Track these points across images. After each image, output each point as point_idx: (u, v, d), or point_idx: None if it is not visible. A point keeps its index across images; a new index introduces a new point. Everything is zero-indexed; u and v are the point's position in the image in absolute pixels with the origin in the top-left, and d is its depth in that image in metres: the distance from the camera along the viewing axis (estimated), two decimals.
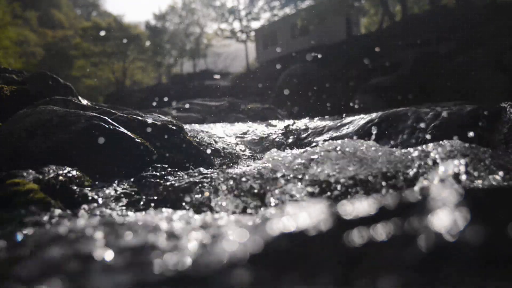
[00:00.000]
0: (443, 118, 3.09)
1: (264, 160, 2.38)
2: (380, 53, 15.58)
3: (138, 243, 1.06)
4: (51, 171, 1.90)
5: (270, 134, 4.01)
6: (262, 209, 1.68)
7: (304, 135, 3.87)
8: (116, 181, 2.08)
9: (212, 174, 2.09)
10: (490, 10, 16.17)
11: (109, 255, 0.93)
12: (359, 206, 0.83)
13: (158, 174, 2.23)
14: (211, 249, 0.83)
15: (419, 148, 2.24)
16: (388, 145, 3.04)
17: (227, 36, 35.95)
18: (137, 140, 2.54)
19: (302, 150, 2.54)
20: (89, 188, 1.88)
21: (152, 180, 2.11)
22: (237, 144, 3.64)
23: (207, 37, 39.05)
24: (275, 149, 2.94)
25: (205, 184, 1.99)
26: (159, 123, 2.99)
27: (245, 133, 4.06)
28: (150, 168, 2.39)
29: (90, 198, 1.78)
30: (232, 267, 0.69)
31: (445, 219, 0.69)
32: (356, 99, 12.44)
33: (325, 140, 3.55)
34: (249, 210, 1.68)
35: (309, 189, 1.81)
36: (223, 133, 3.95)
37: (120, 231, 1.25)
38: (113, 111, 3.00)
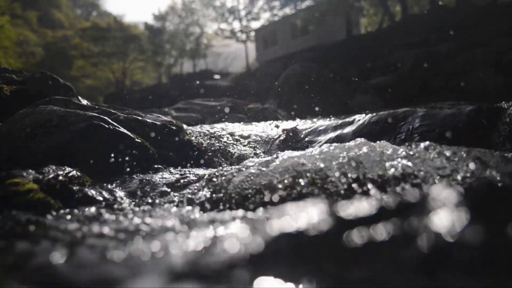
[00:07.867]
0: (442, 118, 3.10)
1: (264, 160, 2.38)
2: (380, 53, 15.57)
3: (138, 243, 1.06)
4: (51, 171, 1.90)
5: (270, 134, 4.01)
6: (262, 209, 1.68)
7: (304, 135, 3.87)
8: (116, 181, 2.08)
9: (212, 174, 2.09)
10: (490, 10, 16.17)
11: (109, 254, 0.93)
12: (359, 206, 0.83)
13: (158, 174, 2.23)
14: (212, 249, 0.83)
15: (419, 148, 2.24)
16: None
17: (227, 36, 35.93)
18: (137, 140, 2.54)
19: (302, 151, 2.54)
20: (89, 188, 1.88)
21: (152, 179, 2.11)
22: (237, 144, 3.64)
23: (207, 37, 39.03)
24: (275, 149, 2.94)
25: (205, 184, 1.99)
26: (159, 123, 2.99)
27: (245, 133, 4.06)
28: (150, 168, 2.39)
29: (90, 198, 1.78)
30: (232, 267, 0.69)
31: (445, 219, 0.69)
32: (356, 99, 12.43)
33: (325, 140, 3.55)
34: (249, 210, 1.67)
35: (310, 189, 1.81)
36: (223, 133, 3.95)
37: (120, 231, 1.25)
38: (113, 111, 3.00)
